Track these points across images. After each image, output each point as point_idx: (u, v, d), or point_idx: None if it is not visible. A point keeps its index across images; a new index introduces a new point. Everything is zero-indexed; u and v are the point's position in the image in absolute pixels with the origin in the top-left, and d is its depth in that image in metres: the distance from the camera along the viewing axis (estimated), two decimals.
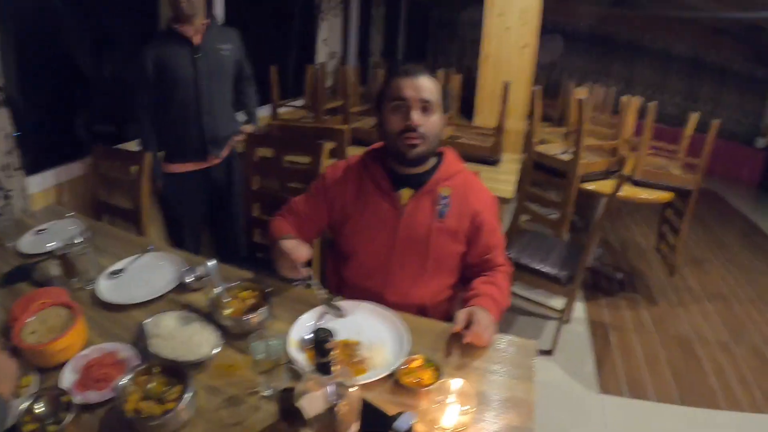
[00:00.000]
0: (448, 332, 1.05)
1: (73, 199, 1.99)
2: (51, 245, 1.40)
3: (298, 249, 1.12)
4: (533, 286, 2.18)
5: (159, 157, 1.89)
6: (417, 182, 1.17)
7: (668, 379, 2.12)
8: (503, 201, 2.15)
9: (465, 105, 3.92)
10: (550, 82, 5.12)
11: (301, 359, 0.95)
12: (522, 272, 2.12)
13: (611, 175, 2.65)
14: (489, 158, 2.62)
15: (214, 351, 0.95)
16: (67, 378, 0.89)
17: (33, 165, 1.86)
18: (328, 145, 2.14)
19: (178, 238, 2.03)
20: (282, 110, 3.33)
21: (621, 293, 2.83)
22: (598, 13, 5.79)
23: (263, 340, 0.86)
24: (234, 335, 1.02)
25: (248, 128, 2.05)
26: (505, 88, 2.92)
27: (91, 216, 1.95)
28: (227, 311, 1.06)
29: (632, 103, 3.03)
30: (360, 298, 1.16)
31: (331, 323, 1.07)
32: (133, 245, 1.46)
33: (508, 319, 2.43)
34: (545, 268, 2.08)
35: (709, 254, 3.52)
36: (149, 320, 1.03)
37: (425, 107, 1.11)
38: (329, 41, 4.25)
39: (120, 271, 1.29)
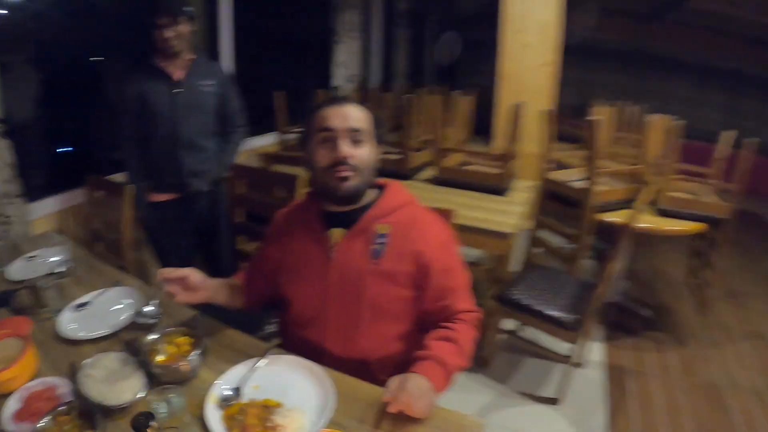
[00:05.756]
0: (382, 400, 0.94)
1: (74, 226, 2.07)
2: (31, 274, 1.44)
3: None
4: (538, 330, 2.02)
5: (142, 188, 1.91)
6: (350, 221, 1.08)
7: None
8: (502, 236, 2.01)
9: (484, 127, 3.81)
10: (580, 101, 4.93)
11: (213, 418, 0.88)
12: (525, 314, 1.98)
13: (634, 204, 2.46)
14: (496, 187, 2.49)
15: (137, 397, 0.92)
16: (11, 406, 0.92)
17: (36, 192, 1.97)
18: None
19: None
20: (290, 137, 3.39)
21: (647, 332, 2.58)
22: (629, 27, 5.53)
23: (164, 399, 0.82)
24: (164, 383, 0.99)
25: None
26: (517, 110, 2.79)
27: (87, 244, 2.02)
28: (160, 357, 1.03)
29: (656, 121, 2.82)
30: (301, 349, 1.09)
31: (260, 379, 0.99)
32: (108, 278, 1.47)
33: (513, 361, 2.25)
34: (549, 310, 1.92)
35: (749, 286, 3.19)
36: (90, 360, 1.02)
37: (355, 137, 1.04)
38: (348, 64, 4.28)
39: (85, 304, 1.31)
